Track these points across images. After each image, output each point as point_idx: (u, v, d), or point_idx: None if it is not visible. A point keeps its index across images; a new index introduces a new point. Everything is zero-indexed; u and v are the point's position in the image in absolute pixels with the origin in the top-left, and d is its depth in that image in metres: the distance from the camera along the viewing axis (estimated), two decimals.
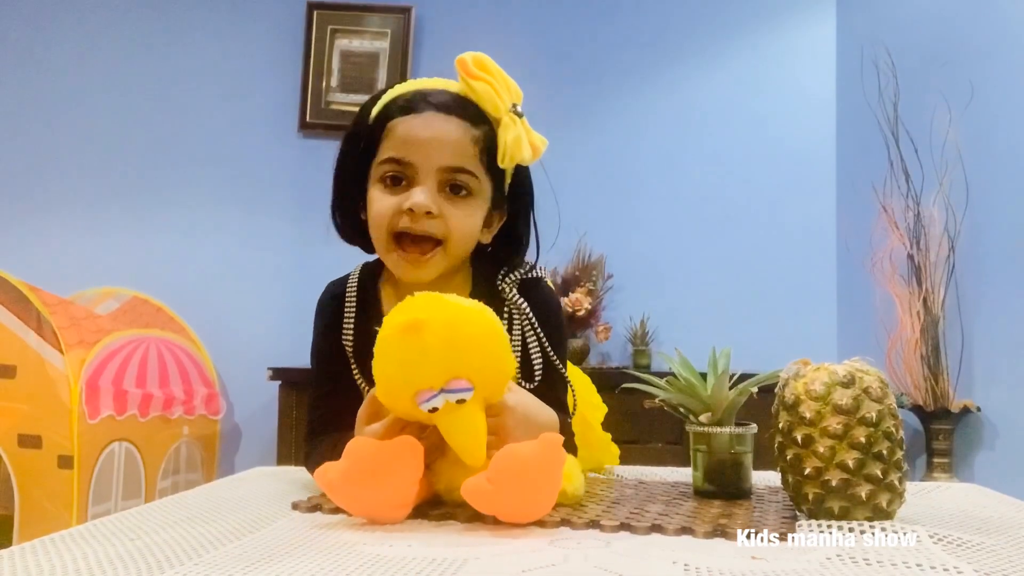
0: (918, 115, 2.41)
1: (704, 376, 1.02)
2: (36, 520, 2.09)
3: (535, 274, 1.08)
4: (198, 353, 2.78)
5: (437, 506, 0.90)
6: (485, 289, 1.05)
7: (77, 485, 2.13)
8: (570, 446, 0.99)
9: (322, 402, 1.09)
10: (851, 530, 0.83)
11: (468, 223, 1.02)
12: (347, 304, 1.08)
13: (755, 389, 1.00)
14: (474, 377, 0.84)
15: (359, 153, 1.05)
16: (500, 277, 1.05)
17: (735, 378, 1.01)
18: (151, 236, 2.99)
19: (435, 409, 0.84)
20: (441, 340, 0.83)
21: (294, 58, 3.03)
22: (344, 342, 1.06)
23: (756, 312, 2.89)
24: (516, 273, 1.06)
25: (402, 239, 1.01)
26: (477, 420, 0.86)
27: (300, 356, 2.84)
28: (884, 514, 0.87)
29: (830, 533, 0.82)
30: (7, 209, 3.00)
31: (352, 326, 1.06)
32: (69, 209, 3.00)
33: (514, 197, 1.08)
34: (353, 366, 1.06)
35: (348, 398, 1.02)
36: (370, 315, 1.03)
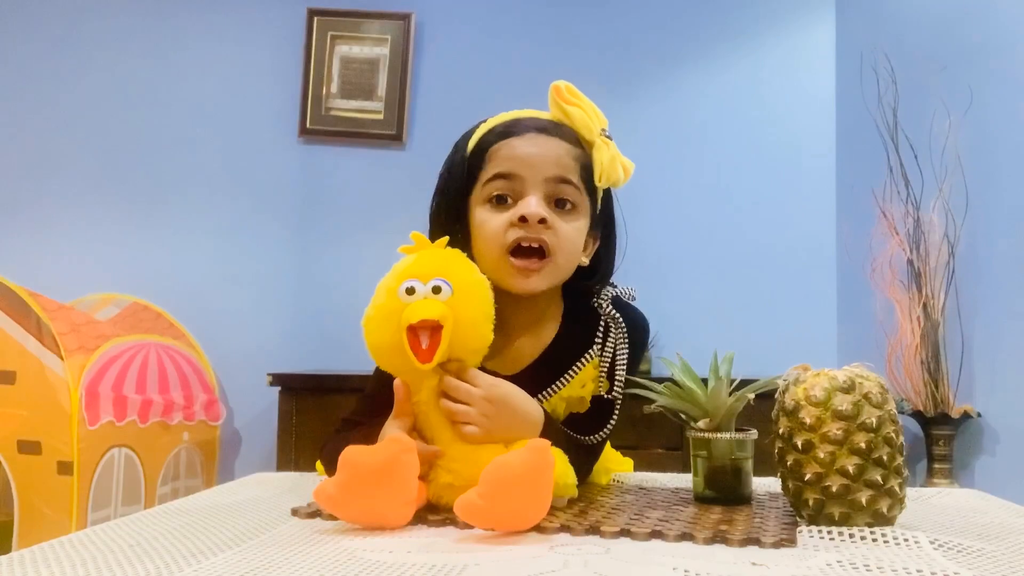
0: (918, 121, 2.41)
1: (705, 381, 1.02)
2: (36, 526, 2.09)
3: (619, 292, 1.11)
4: (198, 359, 2.78)
5: (437, 511, 0.90)
6: (578, 305, 1.09)
7: (77, 491, 2.13)
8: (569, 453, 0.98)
9: (366, 400, 1.08)
10: (851, 536, 0.83)
11: (575, 236, 1.04)
12: None
13: (754, 395, 1.00)
14: (455, 305, 0.90)
15: (459, 186, 1.05)
16: (596, 294, 1.09)
17: (735, 384, 1.01)
18: (151, 242, 2.99)
19: (412, 291, 0.90)
20: (436, 262, 0.93)
21: (294, 64, 3.03)
22: None
23: (756, 317, 2.89)
24: (608, 290, 1.10)
25: (515, 253, 1.02)
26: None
27: (300, 362, 2.86)
28: (884, 520, 0.87)
29: (830, 539, 0.82)
30: (7, 215, 3.00)
31: None
32: (69, 215, 3.01)
33: (604, 222, 1.12)
34: None
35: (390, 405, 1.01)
36: None
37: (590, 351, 1.07)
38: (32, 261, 2.91)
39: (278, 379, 2.56)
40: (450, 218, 1.05)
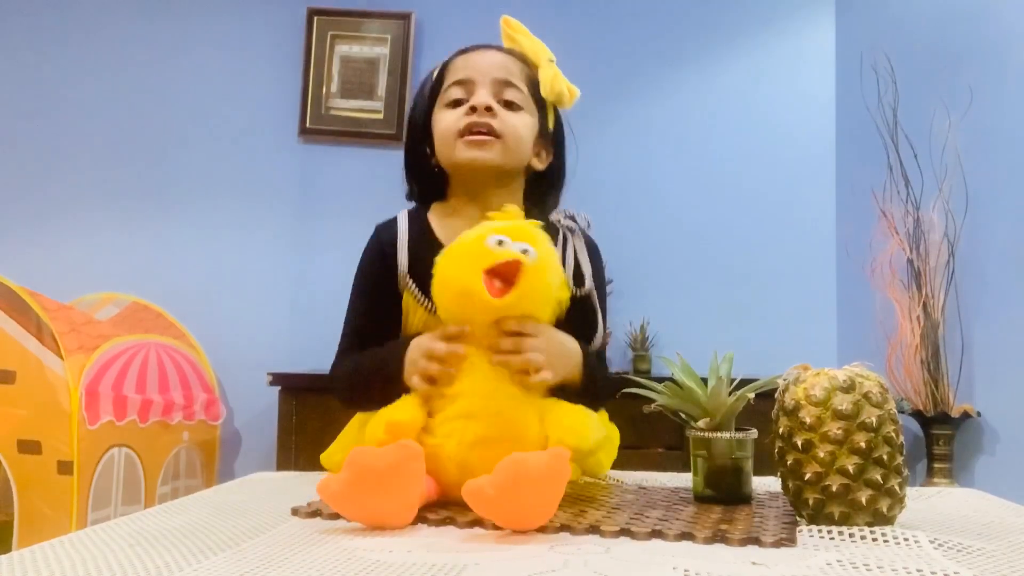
0: (918, 120, 2.41)
1: (705, 381, 1.02)
2: (35, 526, 2.09)
3: (573, 215, 1.24)
4: (198, 359, 2.78)
5: (437, 511, 0.90)
6: (537, 219, 1.17)
7: (76, 491, 2.13)
8: (599, 374, 1.13)
9: (356, 319, 1.19)
10: (851, 535, 0.83)
11: (521, 127, 1.17)
12: (399, 230, 1.18)
13: (754, 394, 1.00)
14: (535, 270, 0.96)
15: (427, 102, 1.21)
16: (554, 213, 1.23)
17: (735, 383, 1.01)
18: (151, 242, 2.99)
19: (501, 243, 0.94)
20: (528, 231, 0.99)
21: (294, 64, 3.03)
22: (399, 260, 1.15)
23: (756, 317, 2.89)
24: (563, 211, 1.24)
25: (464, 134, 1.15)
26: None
27: (300, 361, 2.86)
28: (884, 519, 0.87)
29: (830, 538, 0.82)
30: (7, 214, 3.00)
31: (407, 245, 1.16)
32: (69, 214, 3.00)
33: (555, 140, 1.25)
34: (410, 283, 1.14)
35: (382, 322, 1.15)
36: (423, 239, 1.16)
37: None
38: (32, 261, 2.90)
39: (278, 379, 2.56)
40: (419, 128, 1.21)
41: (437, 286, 1.00)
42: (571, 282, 1.15)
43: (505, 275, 0.95)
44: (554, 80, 1.18)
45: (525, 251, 0.95)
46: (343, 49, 3.03)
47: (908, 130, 2.45)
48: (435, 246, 1.09)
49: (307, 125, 3.01)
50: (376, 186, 2.94)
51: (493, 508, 0.82)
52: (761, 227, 2.95)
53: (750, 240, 2.95)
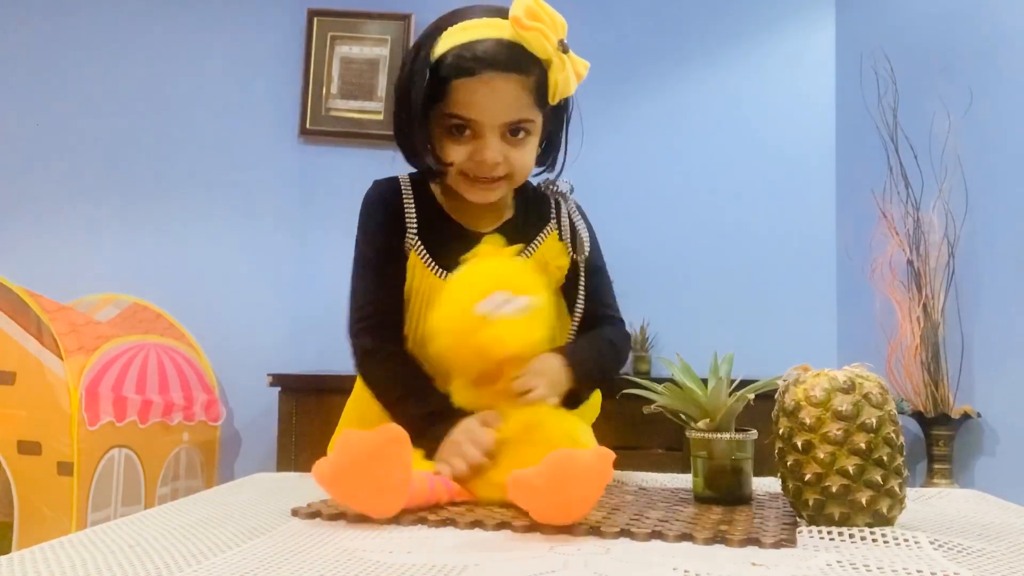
0: (917, 121, 2.41)
1: (705, 382, 1.02)
2: (35, 527, 2.09)
3: (561, 185, 1.26)
4: (198, 359, 2.78)
5: (437, 511, 0.90)
6: (529, 192, 1.23)
7: (76, 492, 2.13)
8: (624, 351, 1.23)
9: (372, 298, 1.17)
10: (851, 536, 0.83)
11: (528, 159, 1.15)
12: (405, 198, 1.18)
13: (754, 395, 1.00)
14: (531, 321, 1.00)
15: (422, 96, 1.11)
16: (545, 185, 1.24)
17: (735, 384, 1.01)
18: (151, 242, 2.99)
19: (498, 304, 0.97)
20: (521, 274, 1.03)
21: (294, 65, 3.03)
22: (408, 226, 1.16)
23: (756, 318, 2.89)
24: (552, 183, 1.25)
25: (470, 177, 1.14)
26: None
27: (300, 362, 2.86)
28: (884, 520, 0.87)
29: (830, 539, 0.82)
30: (7, 215, 3.00)
31: (414, 214, 1.16)
32: (69, 215, 3.00)
33: (555, 114, 1.19)
34: (419, 247, 1.15)
35: (393, 296, 1.15)
36: (428, 207, 1.17)
37: (549, 225, 1.21)
38: (32, 261, 2.90)
39: (278, 379, 2.56)
40: (412, 126, 1.12)
41: (443, 352, 1.04)
42: (570, 247, 1.20)
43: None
44: (565, 83, 1.11)
45: (525, 306, 0.99)
46: (343, 50, 3.03)
47: (908, 130, 2.45)
48: (439, 213, 1.16)
49: (307, 126, 3.01)
50: None
51: (538, 499, 0.83)
52: (761, 228, 2.95)
53: (750, 241, 2.95)
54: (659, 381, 1.05)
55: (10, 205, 3.01)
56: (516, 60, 1.08)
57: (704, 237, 2.96)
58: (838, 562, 0.72)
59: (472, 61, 1.07)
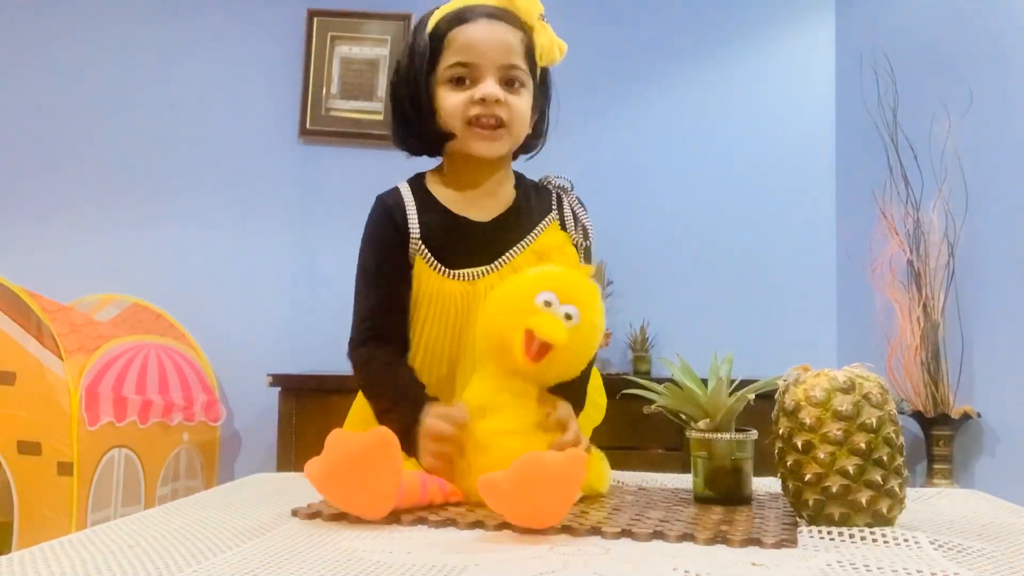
0: (917, 121, 2.41)
1: (705, 382, 1.02)
2: (35, 527, 2.09)
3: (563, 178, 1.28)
4: (198, 359, 2.78)
5: (437, 512, 0.90)
6: (529, 184, 1.25)
7: (76, 492, 2.12)
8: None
9: (373, 312, 1.18)
10: (851, 536, 0.83)
11: (525, 109, 1.18)
12: (404, 197, 1.20)
13: (754, 395, 1.00)
14: (574, 335, 0.98)
15: (423, 64, 1.18)
16: (545, 180, 1.27)
17: (735, 384, 1.01)
18: (151, 242, 2.99)
19: (548, 303, 0.97)
20: (577, 289, 1.02)
21: (294, 65, 3.03)
22: (411, 234, 1.16)
23: (756, 318, 2.90)
24: (552, 176, 1.28)
25: (476, 125, 1.16)
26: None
27: (300, 363, 2.86)
28: (884, 520, 0.87)
29: (831, 539, 0.82)
30: (7, 215, 3.00)
31: (416, 220, 1.17)
32: (69, 215, 3.00)
33: (542, 92, 1.24)
34: (422, 248, 1.16)
35: (395, 309, 1.16)
36: (429, 205, 1.19)
37: (551, 215, 1.22)
38: (32, 261, 2.90)
39: (278, 380, 2.56)
40: (413, 93, 1.18)
41: (483, 326, 1.04)
42: (575, 235, 1.23)
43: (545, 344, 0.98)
44: (549, 47, 1.19)
45: (569, 316, 0.98)
46: (343, 50, 3.04)
47: (908, 131, 2.45)
48: (441, 211, 1.17)
49: (307, 126, 3.01)
50: (376, 187, 2.93)
51: (506, 503, 0.82)
52: (761, 228, 2.95)
53: (750, 241, 2.95)
54: (659, 381, 1.05)
55: (10, 205, 3.01)
56: (508, 14, 1.18)
57: (704, 237, 2.97)
58: (838, 562, 0.72)
59: (468, 11, 1.17)
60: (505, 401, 1.00)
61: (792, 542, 0.79)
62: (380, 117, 2.98)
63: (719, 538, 0.80)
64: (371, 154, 2.96)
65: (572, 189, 1.27)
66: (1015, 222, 2.12)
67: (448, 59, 1.16)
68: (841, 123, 2.96)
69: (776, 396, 0.94)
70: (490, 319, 1.02)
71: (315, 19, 3.03)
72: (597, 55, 3.02)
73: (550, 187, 1.26)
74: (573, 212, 1.24)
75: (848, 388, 0.89)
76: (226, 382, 2.92)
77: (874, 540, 0.81)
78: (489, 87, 1.14)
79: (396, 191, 1.22)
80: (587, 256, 1.24)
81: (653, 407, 1.03)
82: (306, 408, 2.51)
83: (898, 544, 0.80)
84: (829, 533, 0.85)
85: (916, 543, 0.79)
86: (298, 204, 3.02)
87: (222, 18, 3.08)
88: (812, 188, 2.96)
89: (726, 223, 2.96)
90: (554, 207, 1.23)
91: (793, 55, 3.03)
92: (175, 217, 3.01)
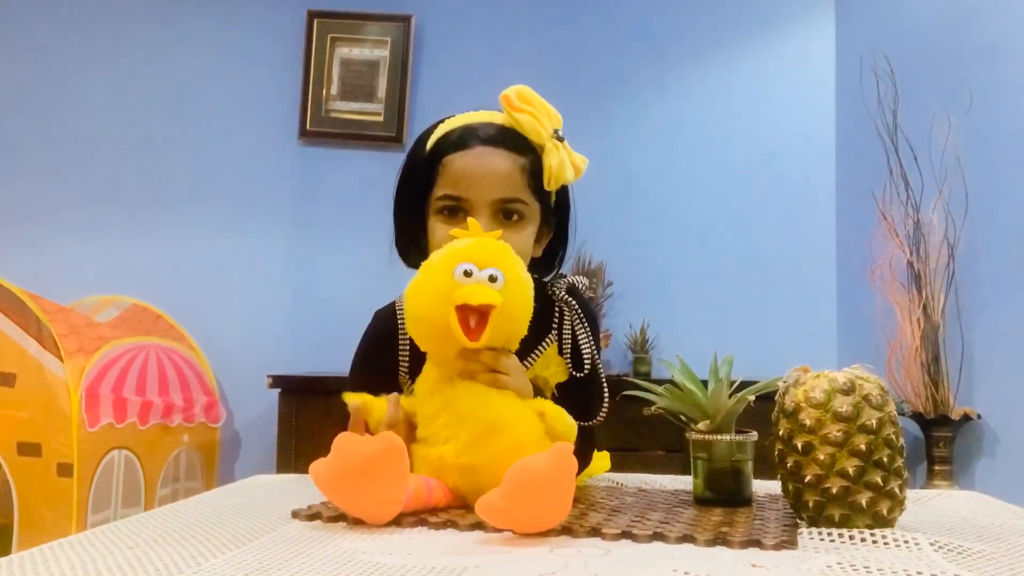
0: (917, 123, 2.42)
1: (705, 383, 1.02)
2: (35, 528, 2.09)
3: (571, 281, 1.19)
4: (198, 361, 2.78)
5: (437, 513, 0.90)
6: (535, 292, 1.16)
7: (76, 493, 2.12)
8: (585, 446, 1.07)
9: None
10: (851, 538, 0.83)
11: (522, 246, 1.10)
12: (399, 320, 1.13)
13: (754, 397, 1.00)
14: (505, 295, 0.93)
15: (418, 187, 1.13)
16: (550, 283, 1.16)
17: (735, 385, 1.01)
18: (151, 244, 2.99)
19: (468, 273, 0.92)
20: (493, 252, 0.95)
21: (294, 66, 3.04)
22: (401, 351, 1.13)
23: (756, 319, 2.90)
24: (561, 280, 1.17)
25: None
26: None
27: (300, 364, 2.86)
28: (884, 522, 0.87)
29: (831, 541, 0.82)
30: (7, 216, 3.00)
31: (407, 346, 1.12)
32: (69, 217, 3.00)
33: (557, 212, 1.17)
34: (409, 385, 1.12)
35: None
36: None
37: (550, 335, 1.14)
38: (32, 263, 2.90)
39: (278, 381, 2.56)
40: (411, 215, 1.14)
41: (411, 322, 0.99)
42: (571, 365, 1.14)
43: (478, 310, 0.94)
44: (560, 169, 1.08)
45: (493, 278, 0.93)
46: (343, 51, 3.04)
47: (908, 132, 2.46)
48: None
49: (307, 127, 3.01)
50: (376, 188, 2.92)
51: (507, 518, 0.82)
52: (761, 229, 2.95)
53: (750, 242, 2.95)
54: (659, 383, 1.05)
55: (10, 206, 3.01)
56: (510, 138, 1.09)
57: (704, 238, 2.97)
58: (838, 564, 0.72)
59: (465, 134, 1.10)
60: (481, 407, 0.96)
61: (792, 544, 0.79)
62: (380, 118, 2.98)
63: (719, 540, 0.80)
64: (371, 155, 2.96)
65: (585, 290, 1.20)
66: (1015, 223, 2.12)
67: (440, 188, 1.10)
68: (841, 124, 2.96)
69: (776, 397, 0.94)
70: (419, 313, 0.97)
71: (315, 20, 3.03)
72: (595, 59, 3.02)
73: (554, 298, 1.16)
74: (573, 333, 1.14)
75: (848, 389, 0.89)
76: (226, 383, 2.92)
77: (874, 542, 0.81)
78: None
79: (391, 309, 1.18)
80: (594, 383, 1.14)
81: (653, 408, 1.03)
82: (306, 409, 2.51)
83: (898, 546, 0.80)
84: (829, 535, 0.85)
85: (916, 545, 0.79)
86: (298, 205, 3.02)
87: (222, 20, 3.08)
88: (812, 189, 2.96)
89: (726, 224, 2.96)
90: (554, 326, 1.15)
91: (793, 56, 3.03)
92: (175, 218, 3.01)
